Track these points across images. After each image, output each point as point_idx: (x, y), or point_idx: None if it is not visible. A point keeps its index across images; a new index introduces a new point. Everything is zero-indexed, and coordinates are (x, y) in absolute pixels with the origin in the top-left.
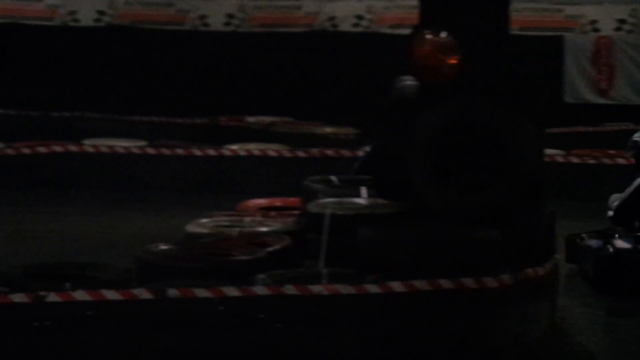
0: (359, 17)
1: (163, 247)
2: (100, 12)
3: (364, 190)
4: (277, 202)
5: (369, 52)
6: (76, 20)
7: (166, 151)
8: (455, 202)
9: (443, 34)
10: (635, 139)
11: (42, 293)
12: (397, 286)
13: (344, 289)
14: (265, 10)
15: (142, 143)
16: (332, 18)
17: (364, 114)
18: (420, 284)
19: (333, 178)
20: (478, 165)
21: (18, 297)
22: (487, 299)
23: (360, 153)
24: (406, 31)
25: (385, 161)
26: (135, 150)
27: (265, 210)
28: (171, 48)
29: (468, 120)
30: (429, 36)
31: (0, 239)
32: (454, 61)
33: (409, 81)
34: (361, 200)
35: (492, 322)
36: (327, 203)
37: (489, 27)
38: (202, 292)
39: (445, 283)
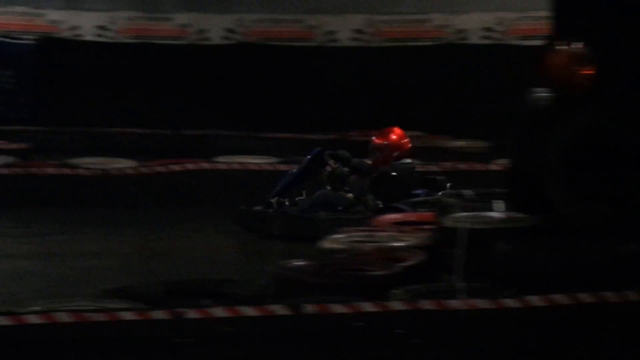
0: (488, 29)
1: (298, 263)
2: (230, 30)
3: (499, 204)
4: (411, 216)
5: (498, 64)
6: (206, 39)
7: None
8: (594, 215)
9: (577, 44)
10: None
11: (181, 310)
12: (536, 300)
13: (482, 303)
14: (392, 24)
15: (274, 160)
16: (461, 31)
17: (496, 127)
18: (560, 298)
19: (467, 192)
20: (618, 176)
21: (158, 314)
22: (629, 313)
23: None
24: (537, 42)
25: (520, 174)
26: (267, 167)
27: (399, 224)
28: (299, 64)
29: (607, 131)
30: (562, 47)
31: (137, 256)
32: (588, 72)
33: (542, 93)
34: (496, 214)
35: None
36: (461, 217)
37: (626, 35)
38: (338, 308)
39: (585, 297)
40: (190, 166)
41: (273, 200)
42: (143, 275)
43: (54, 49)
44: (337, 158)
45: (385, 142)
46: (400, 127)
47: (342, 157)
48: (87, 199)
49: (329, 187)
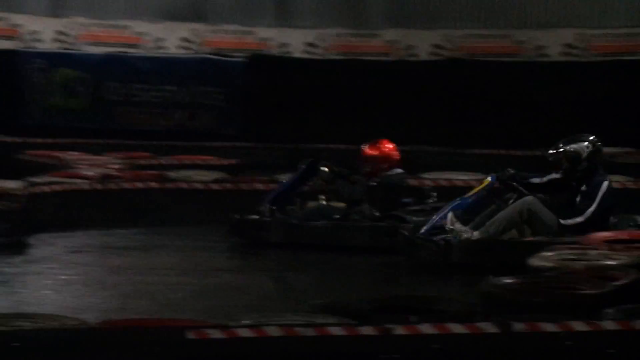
0: None
1: (507, 280)
2: (437, 46)
3: None
4: (624, 234)
5: None
6: (413, 55)
7: None
8: None
9: None
10: None
11: (389, 326)
12: None
13: None
14: (603, 38)
15: (480, 176)
16: None
17: None
18: None
19: None
20: None
21: (366, 330)
22: None
23: None
24: None
25: None
26: (473, 183)
27: (611, 243)
28: (507, 79)
29: None
30: None
31: (339, 271)
32: None
33: None
34: None
35: None
36: None
37: None
38: (548, 326)
39: None
40: None
41: (265, 209)
42: (344, 291)
43: (263, 66)
44: (331, 169)
45: (376, 154)
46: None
47: (334, 168)
48: None
49: (322, 197)
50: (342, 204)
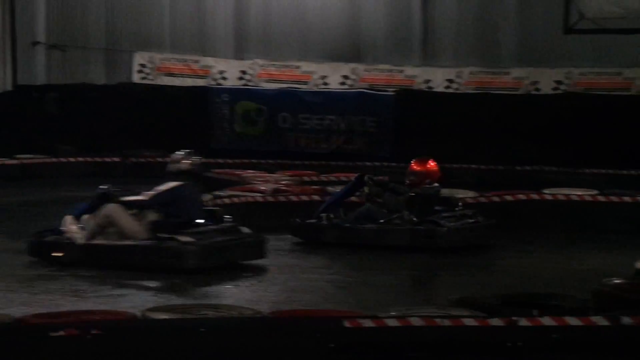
0: None
1: (616, 281)
2: (558, 82)
3: None
4: None
5: None
6: (537, 90)
7: (615, 199)
8: None
9: None
10: None
11: (514, 318)
12: None
13: None
14: None
15: (594, 192)
16: None
17: None
18: None
19: None
20: None
21: (495, 321)
22: None
23: None
24: None
25: None
26: (588, 198)
27: None
28: (618, 111)
29: None
30: None
31: (478, 270)
32: None
33: None
34: None
35: None
36: None
37: None
38: None
39: None
40: (521, 196)
41: (323, 215)
42: (478, 288)
43: (410, 99)
44: (376, 181)
45: (421, 169)
46: None
47: (380, 181)
48: None
49: (368, 204)
50: (383, 210)
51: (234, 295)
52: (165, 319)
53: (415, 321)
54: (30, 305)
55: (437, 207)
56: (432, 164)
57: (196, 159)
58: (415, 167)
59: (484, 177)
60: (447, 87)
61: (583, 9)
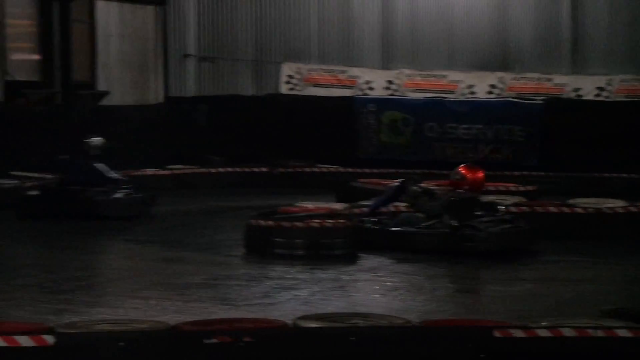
0: None
1: None
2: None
3: None
4: None
5: None
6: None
7: None
8: None
9: None
10: None
11: None
12: None
13: None
14: None
15: None
16: None
17: None
18: None
19: None
20: None
21: None
22: None
23: None
24: None
25: None
26: None
27: None
28: None
29: None
30: None
31: (628, 282)
32: None
33: None
34: None
35: None
36: None
37: None
38: None
39: None
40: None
41: (366, 219)
42: (631, 299)
43: (559, 108)
44: (418, 187)
45: (466, 175)
46: None
47: (423, 187)
48: (582, 233)
49: (409, 210)
50: (422, 215)
51: (382, 304)
52: (315, 327)
53: (567, 332)
54: (183, 313)
55: (478, 212)
56: (480, 174)
57: None
58: (462, 170)
59: (636, 186)
60: (597, 95)
61: None
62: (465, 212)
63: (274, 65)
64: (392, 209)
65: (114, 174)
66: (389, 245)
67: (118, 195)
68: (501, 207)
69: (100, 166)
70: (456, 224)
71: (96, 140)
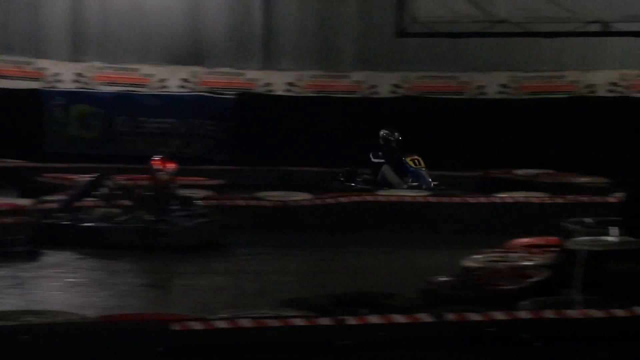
0: (614, 84)
1: (443, 278)
2: (396, 86)
3: (614, 230)
4: (539, 240)
5: (622, 114)
6: (376, 93)
7: (445, 199)
8: None
9: None
10: None
11: (342, 317)
12: None
13: (594, 312)
14: (532, 80)
15: (425, 193)
16: (590, 85)
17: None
18: None
19: (587, 220)
20: None
21: (323, 320)
22: None
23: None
24: None
25: (633, 205)
26: (420, 199)
27: (529, 247)
28: (453, 114)
29: None
30: None
31: (308, 272)
32: None
33: None
34: (612, 238)
35: None
36: (582, 241)
37: None
38: (474, 316)
39: None
40: (355, 198)
41: (60, 215)
42: (313, 289)
43: (250, 102)
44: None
45: (159, 169)
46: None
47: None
48: (269, 226)
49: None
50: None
51: (62, 300)
52: None
53: (244, 322)
54: None
55: (173, 206)
56: (173, 167)
57: None
58: (155, 164)
59: (322, 179)
60: (287, 90)
61: (415, 13)
62: (160, 206)
63: None
64: (89, 204)
65: None
66: (82, 241)
67: None
68: (198, 202)
69: None
70: (151, 219)
71: None
